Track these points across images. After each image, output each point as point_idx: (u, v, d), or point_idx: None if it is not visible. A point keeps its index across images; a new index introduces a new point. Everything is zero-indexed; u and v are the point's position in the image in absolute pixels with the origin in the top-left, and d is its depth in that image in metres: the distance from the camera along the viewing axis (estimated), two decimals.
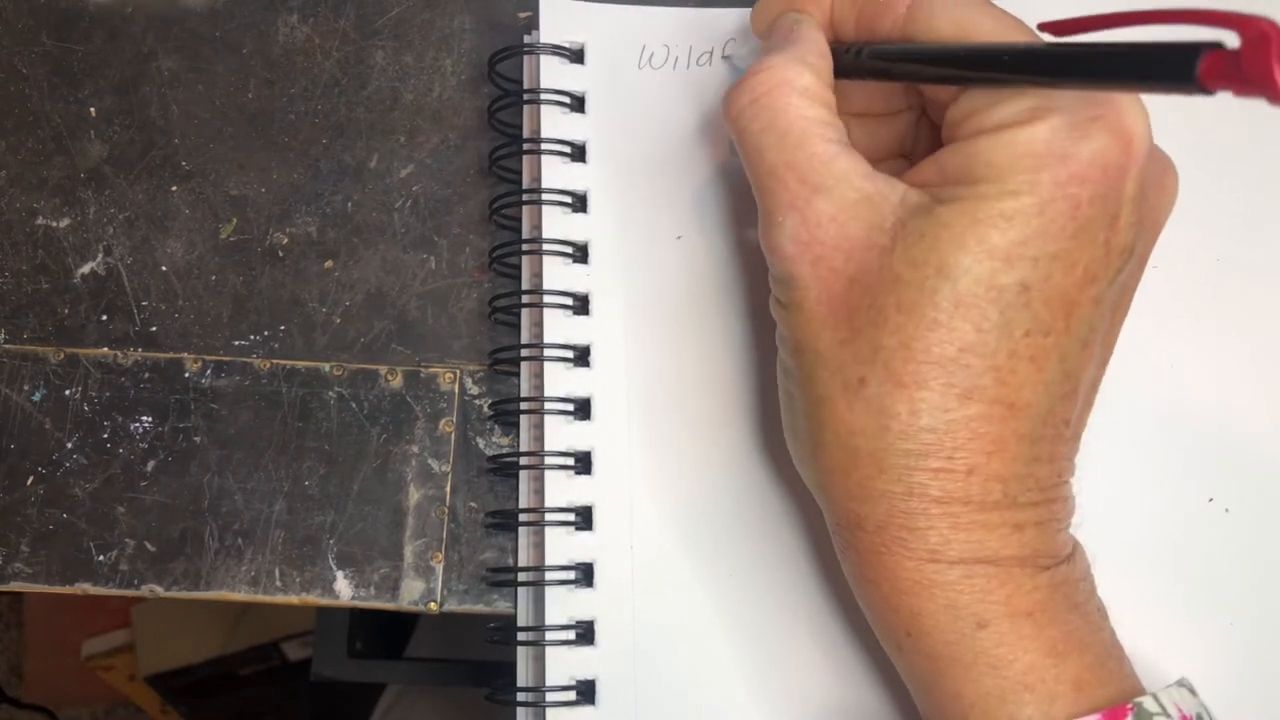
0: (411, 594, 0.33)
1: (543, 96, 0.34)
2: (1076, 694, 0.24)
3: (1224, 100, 0.24)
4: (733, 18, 0.35)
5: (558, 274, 0.33)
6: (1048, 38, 0.25)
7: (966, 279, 0.23)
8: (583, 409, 0.32)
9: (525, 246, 0.34)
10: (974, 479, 0.24)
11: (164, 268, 0.35)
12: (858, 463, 0.25)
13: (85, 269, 0.35)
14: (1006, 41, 0.25)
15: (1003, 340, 0.24)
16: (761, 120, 0.26)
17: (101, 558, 0.33)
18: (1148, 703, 0.24)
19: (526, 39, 0.35)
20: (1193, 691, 0.25)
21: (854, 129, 0.30)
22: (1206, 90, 0.19)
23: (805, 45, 0.27)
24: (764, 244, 0.26)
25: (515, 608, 0.33)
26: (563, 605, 0.31)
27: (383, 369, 0.35)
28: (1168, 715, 0.24)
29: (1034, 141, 0.23)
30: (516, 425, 0.34)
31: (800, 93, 0.26)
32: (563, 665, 0.30)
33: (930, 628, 0.25)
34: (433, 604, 0.33)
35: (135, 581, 0.33)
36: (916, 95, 0.29)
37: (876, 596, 0.26)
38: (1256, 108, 0.34)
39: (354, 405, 0.34)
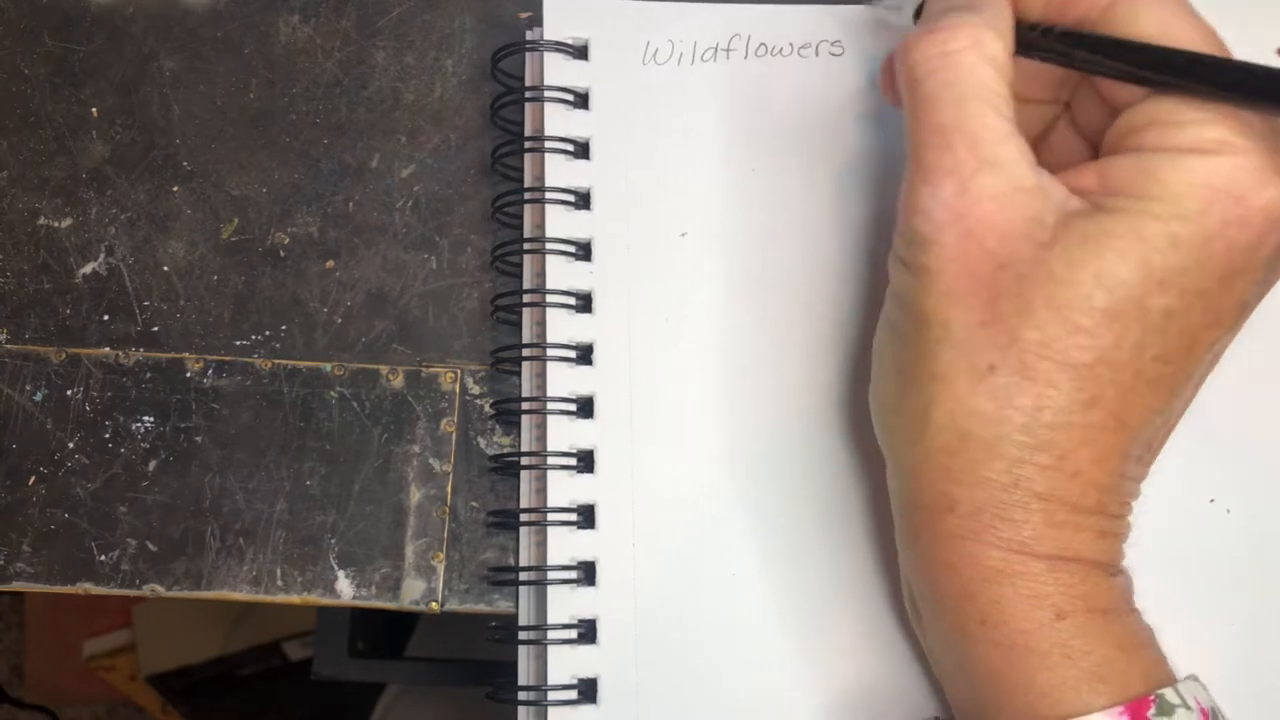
0: (413, 593, 0.33)
1: (546, 94, 0.34)
2: (1145, 687, 0.24)
3: None
4: (735, 13, 0.35)
5: (560, 272, 0.33)
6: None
7: (1121, 292, 0.24)
8: (585, 407, 0.32)
9: (528, 245, 0.34)
10: (1076, 482, 0.24)
11: (165, 268, 0.35)
12: (967, 446, 0.25)
13: (87, 269, 0.35)
14: (1228, 57, 0.24)
15: (1133, 359, 0.24)
16: (945, 75, 0.25)
17: (103, 557, 0.33)
18: (1169, 694, 0.24)
19: (529, 36, 0.35)
20: (1204, 688, 0.25)
21: None
22: None
23: (997, 12, 0.26)
24: (908, 200, 0.26)
25: (516, 607, 0.33)
26: (564, 604, 0.31)
27: (384, 369, 0.35)
28: (1188, 707, 0.24)
29: (1215, 174, 0.23)
30: (518, 425, 0.34)
31: (989, 61, 0.25)
32: (564, 664, 0.30)
33: (1008, 615, 0.25)
34: (434, 603, 0.33)
35: (137, 581, 0.33)
36: (1069, 92, 0.29)
37: (953, 582, 0.25)
38: None
39: (355, 405, 0.34)
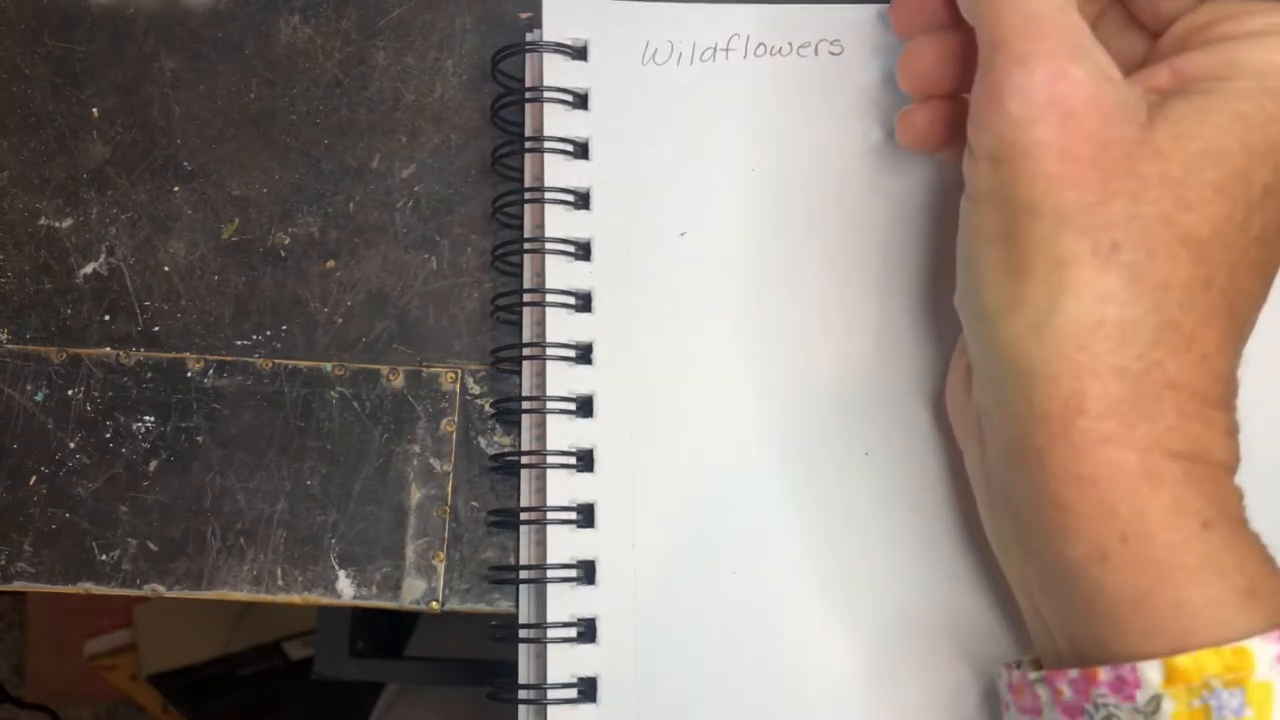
0: (413, 593, 0.33)
1: (545, 94, 0.34)
2: None
3: None
4: (734, 13, 0.35)
5: (560, 271, 0.33)
6: None
7: (1228, 166, 0.24)
8: (585, 406, 0.32)
9: (528, 245, 0.34)
10: (1204, 368, 0.24)
11: (166, 268, 0.35)
12: (1100, 332, 0.24)
13: (88, 269, 0.35)
14: None
15: (1237, 237, 0.24)
16: None
17: (104, 557, 0.33)
18: None
19: (529, 37, 0.36)
20: None
21: None
22: None
23: None
24: (996, 87, 0.25)
25: (517, 606, 0.33)
26: (564, 603, 0.31)
27: (384, 369, 0.35)
28: None
29: None
30: (518, 424, 0.34)
31: None
32: (564, 663, 0.31)
33: (1154, 527, 0.23)
34: (434, 603, 0.33)
35: (138, 581, 0.33)
36: (1090, 19, 0.29)
37: (1088, 497, 0.24)
38: None
39: (356, 405, 0.34)
